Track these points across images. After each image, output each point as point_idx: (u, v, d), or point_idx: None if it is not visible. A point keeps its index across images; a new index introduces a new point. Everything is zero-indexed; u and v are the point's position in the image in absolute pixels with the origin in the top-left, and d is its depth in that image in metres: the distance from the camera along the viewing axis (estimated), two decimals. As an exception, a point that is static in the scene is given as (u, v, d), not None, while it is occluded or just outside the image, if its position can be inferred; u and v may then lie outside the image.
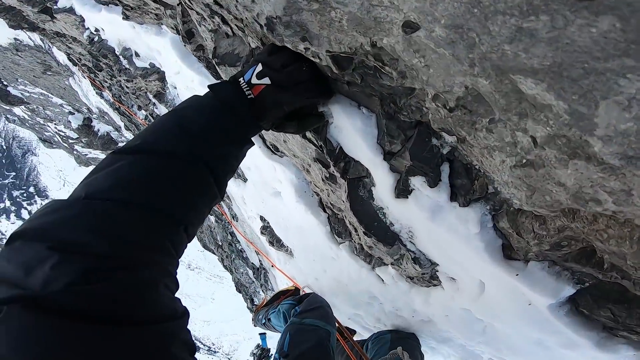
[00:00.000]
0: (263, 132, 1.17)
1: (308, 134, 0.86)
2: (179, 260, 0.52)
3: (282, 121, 0.75)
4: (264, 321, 2.04)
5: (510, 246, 0.78)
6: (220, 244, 4.40)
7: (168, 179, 0.52)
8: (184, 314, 0.46)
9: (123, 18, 2.16)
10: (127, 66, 2.66)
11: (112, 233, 0.43)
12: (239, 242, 3.54)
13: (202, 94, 0.68)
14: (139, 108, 3.49)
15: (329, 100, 0.77)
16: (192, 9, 1.10)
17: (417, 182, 0.74)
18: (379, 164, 0.77)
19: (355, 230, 1.15)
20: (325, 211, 1.43)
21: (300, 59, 0.69)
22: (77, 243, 0.41)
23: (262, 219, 2.18)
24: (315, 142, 0.86)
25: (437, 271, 1.08)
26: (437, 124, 0.58)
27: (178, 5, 1.37)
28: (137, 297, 0.41)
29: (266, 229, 2.18)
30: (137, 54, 2.54)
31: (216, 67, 1.08)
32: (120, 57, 2.74)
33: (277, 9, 0.58)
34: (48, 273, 0.37)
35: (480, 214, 0.73)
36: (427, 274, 1.10)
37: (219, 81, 0.72)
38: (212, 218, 4.10)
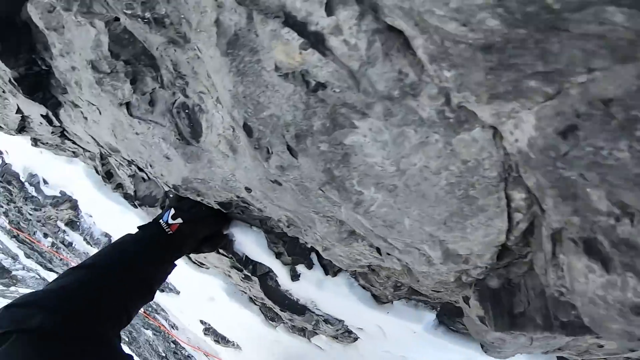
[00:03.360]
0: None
1: (220, 250, 1.15)
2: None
3: (198, 245, 1.05)
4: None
5: (375, 295, 1.13)
6: (164, 354, 4.04)
7: (111, 281, 0.80)
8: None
9: (32, 144, 2.02)
10: (35, 194, 2.55)
11: (77, 305, 0.71)
12: (183, 348, 3.37)
13: (133, 232, 0.96)
14: (45, 236, 3.26)
15: (229, 225, 1.09)
16: (110, 156, 1.37)
17: (301, 269, 1.07)
18: (274, 262, 1.09)
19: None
20: (255, 304, 1.66)
21: (200, 202, 1.00)
22: (55, 307, 0.67)
23: (202, 322, 2.26)
24: (226, 255, 1.16)
25: (347, 325, 1.37)
26: (289, 233, 0.94)
27: (98, 152, 1.60)
28: (102, 334, 0.71)
29: (209, 330, 2.25)
30: (45, 182, 2.47)
31: (138, 207, 1.34)
32: (26, 183, 2.60)
33: (177, 181, 0.89)
34: (39, 322, 0.62)
35: (346, 278, 1.08)
36: (341, 329, 1.38)
37: (145, 223, 1.01)
38: (149, 332, 3.84)
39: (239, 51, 0.43)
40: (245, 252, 1.13)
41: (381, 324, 1.26)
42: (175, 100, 0.72)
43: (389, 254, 0.61)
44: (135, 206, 1.73)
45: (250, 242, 1.08)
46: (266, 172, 0.60)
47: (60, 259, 3.36)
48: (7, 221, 3.64)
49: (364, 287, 1.11)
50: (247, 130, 0.51)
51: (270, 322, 1.72)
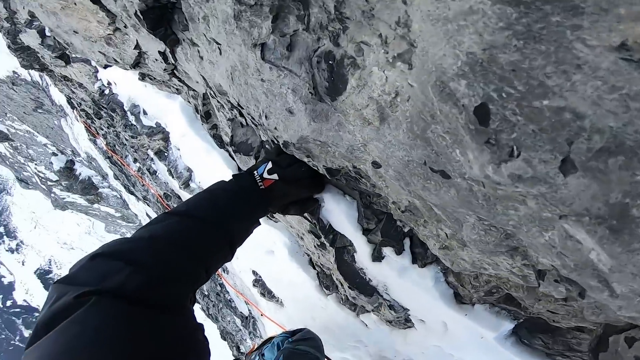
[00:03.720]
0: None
1: (306, 214, 1.13)
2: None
3: (286, 206, 1.01)
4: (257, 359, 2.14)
5: (459, 294, 1.04)
6: (207, 294, 4.42)
7: (200, 236, 0.76)
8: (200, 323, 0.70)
9: (139, 79, 2.19)
10: (134, 123, 2.80)
11: (166, 261, 0.66)
12: (227, 292, 3.62)
13: (227, 180, 0.93)
14: (134, 161, 3.59)
15: (322, 190, 1.05)
16: (214, 97, 1.38)
17: (387, 251, 1.01)
18: (359, 238, 1.04)
19: (341, 285, 1.38)
20: (314, 268, 1.66)
21: (300, 161, 0.93)
22: (144, 264, 0.61)
23: (254, 273, 2.36)
24: (310, 219, 1.13)
25: (410, 315, 1.32)
26: (395, 217, 0.86)
27: (202, 92, 1.63)
28: (181, 301, 0.65)
29: (258, 282, 2.35)
30: (145, 112, 2.67)
31: (232, 154, 1.35)
32: (128, 112, 2.85)
33: (293, 139, 0.83)
34: (123, 279, 0.56)
35: (434, 272, 1.00)
36: (401, 317, 1.34)
37: (239, 172, 0.98)
38: (199, 269, 4.17)
39: (543, 4, 0.30)
40: (330, 220, 1.10)
41: (449, 322, 1.19)
42: (319, 47, 0.65)
43: (558, 282, 0.52)
44: (221, 147, 1.78)
45: (339, 212, 1.04)
46: (428, 158, 0.52)
47: (143, 185, 3.71)
48: (105, 143, 4.07)
49: (448, 284, 1.03)
50: (481, 114, 0.38)
51: (324, 289, 1.73)
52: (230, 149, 1.32)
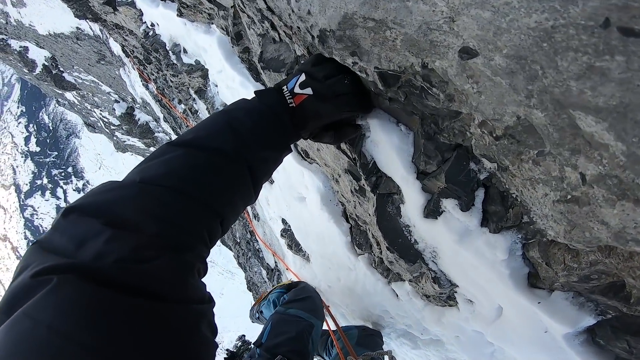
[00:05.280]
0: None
1: (343, 145, 0.88)
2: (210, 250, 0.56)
3: (320, 131, 0.77)
4: (257, 315, 2.08)
5: (537, 275, 0.77)
6: (238, 241, 4.50)
7: (213, 173, 0.56)
8: (211, 299, 0.50)
9: (177, 15, 2.24)
10: (175, 61, 2.81)
11: (161, 215, 0.47)
12: (257, 241, 3.61)
13: (249, 98, 0.72)
14: (179, 102, 3.67)
15: (368, 113, 0.79)
16: (244, 12, 1.15)
17: (448, 205, 0.75)
18: (411, 183, 0.79)
19: (377, 244, 1.15)
20: (348, 221, 1.44)
21: (343, 72, 0.70)
22: (130, 221, 0.44)
23: (283, 221, 2.22)
24: (349, 154, 0.88)
25: (456, 292, 1.07)
26: (479, 150, 0.59)
27: (231, 7, 1.44)
28: (179, 278, 0.45)
29: (286, 232, 2.22)
30: (185, 51, 2.67)
31: (260, 71, 1.13)
32: (170, 52, 2.87)
33: (332, 23, 0.60)
34: (100, 247, 0.40)
35: (510, 241, 0.73)
36: (444, 294, 1.10)
37: (264, 88, 0.76)
38: (233, 215, 4.23)
39: None
40: (375, 156, 0.85)
41: (508, 307, 0.95)
42: None
43: None
44: (257, 80, 1.59)
45: (389, 146, 0.78)
46: (623, 10, 0.24)
47: (187, 126, 3.79)
48: (155, 87, 4.22)
49: (525, 260, 0.76)
50: None
51: (356, 247, 1.52)
52: (259, 66, 1.09)
